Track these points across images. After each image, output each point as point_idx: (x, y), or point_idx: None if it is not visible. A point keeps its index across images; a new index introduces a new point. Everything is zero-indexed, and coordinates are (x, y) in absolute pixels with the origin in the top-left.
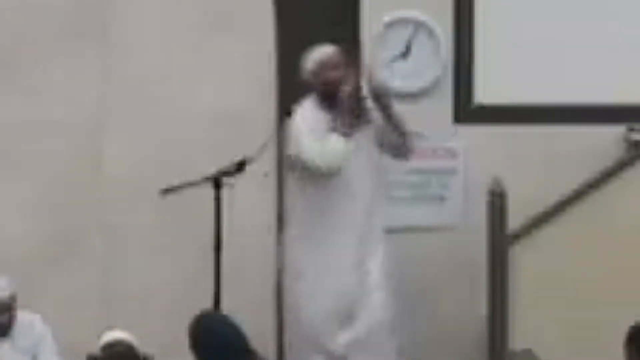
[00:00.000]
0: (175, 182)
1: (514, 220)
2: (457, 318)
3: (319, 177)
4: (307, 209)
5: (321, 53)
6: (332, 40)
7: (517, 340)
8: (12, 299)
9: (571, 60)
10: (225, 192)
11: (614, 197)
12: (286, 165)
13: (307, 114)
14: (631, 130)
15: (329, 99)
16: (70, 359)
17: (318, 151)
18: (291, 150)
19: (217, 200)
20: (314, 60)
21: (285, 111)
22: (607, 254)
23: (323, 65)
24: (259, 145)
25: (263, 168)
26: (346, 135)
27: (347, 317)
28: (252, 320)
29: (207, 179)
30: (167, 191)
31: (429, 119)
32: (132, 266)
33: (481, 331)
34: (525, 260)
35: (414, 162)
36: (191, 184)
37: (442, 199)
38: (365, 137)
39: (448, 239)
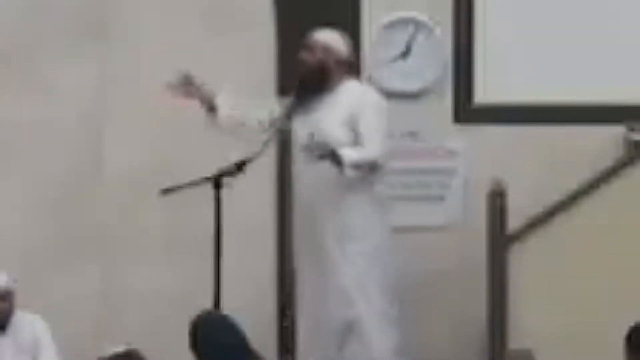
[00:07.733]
0: (175, 182)
1: (514, 220)
2: (457, 318)
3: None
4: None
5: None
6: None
7: (517, 341)
8: (11, 290)
9: (571, 59)
10: (225, 192)
11: (614, 197)
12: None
13: None
14: (631, 130)
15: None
16: (70, 359)
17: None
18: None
19: (217, 200)
20: None
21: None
22: (607, 254)
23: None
24: (259, 145)
25: (263, 168)
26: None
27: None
28: (252, 320)
29: (207, 179)
30: (167, 191)
31: (429, 119)
32: (131, 266)
33: (481, 331)
34: (525, 261)
35: (414, 162)
36: (191, 184)
37: (442, 199)
38: None
39: (448, 239)
